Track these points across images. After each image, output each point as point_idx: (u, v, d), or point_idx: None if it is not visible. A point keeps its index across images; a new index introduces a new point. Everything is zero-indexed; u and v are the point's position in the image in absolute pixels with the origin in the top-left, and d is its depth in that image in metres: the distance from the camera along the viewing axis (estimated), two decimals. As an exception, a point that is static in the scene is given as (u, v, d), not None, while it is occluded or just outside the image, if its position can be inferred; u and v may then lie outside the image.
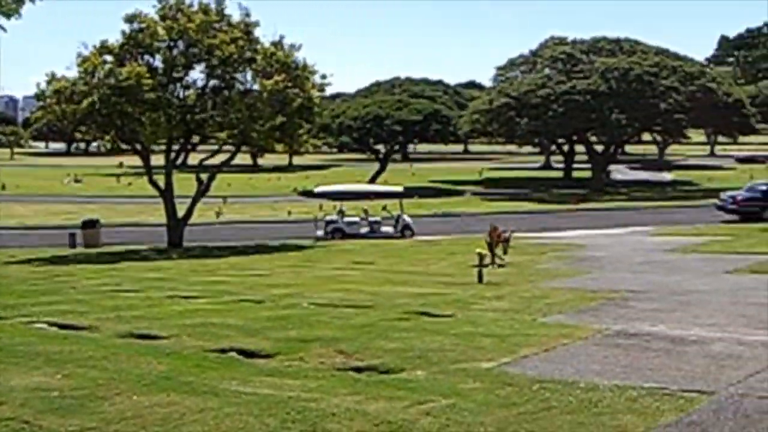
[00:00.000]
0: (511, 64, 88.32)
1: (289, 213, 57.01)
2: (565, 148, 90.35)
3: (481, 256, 20.42)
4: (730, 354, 10.89)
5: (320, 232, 41.73)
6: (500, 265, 22.55)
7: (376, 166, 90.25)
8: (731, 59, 43.52)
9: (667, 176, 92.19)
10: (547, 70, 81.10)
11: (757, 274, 19.69)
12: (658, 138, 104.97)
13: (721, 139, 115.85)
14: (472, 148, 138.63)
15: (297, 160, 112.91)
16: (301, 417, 8.33)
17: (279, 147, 43.00)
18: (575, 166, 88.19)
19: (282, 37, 39.81)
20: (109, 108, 36.54)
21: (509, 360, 10.72)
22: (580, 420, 8.13)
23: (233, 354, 11.62)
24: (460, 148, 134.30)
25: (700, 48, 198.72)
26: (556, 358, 10.90)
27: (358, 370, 10.45)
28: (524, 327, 13.04)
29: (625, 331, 12.51)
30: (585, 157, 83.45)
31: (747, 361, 10.49)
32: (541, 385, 9.37)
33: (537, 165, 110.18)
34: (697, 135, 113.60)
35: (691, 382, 9.50)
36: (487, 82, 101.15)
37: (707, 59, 47.72)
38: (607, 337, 12.15)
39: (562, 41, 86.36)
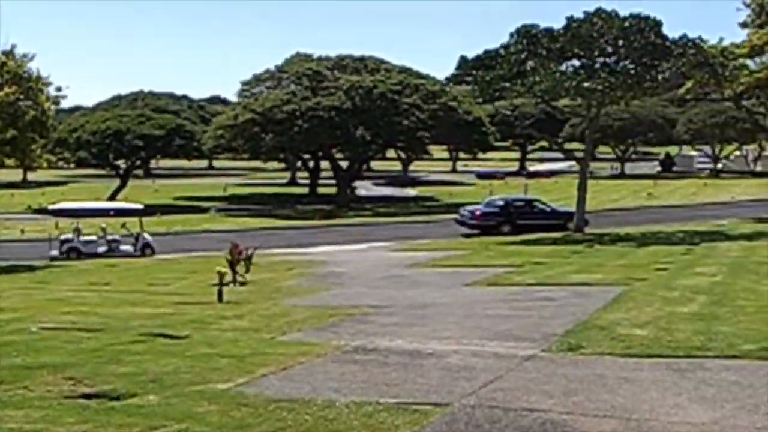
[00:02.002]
0: (257, 79, 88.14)
1: (22, 232, 54.32)
2: (311, 164, 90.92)
3: (221, 275, 20.03)
4: (465, 366, 11.05)
5: (55, 252, 39.96)
6: (242, 283, 22.25)
7: (117, 182, 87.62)
8: (470, 79, 44.92)
9: (411, 192, 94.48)
10: (292, 86, 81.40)
11: (494, 287, 20.35)
12: (402, 154, 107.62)
13: (462, 155, 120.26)
14: (216, 164, 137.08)
15: (32, 176, 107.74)
16: (20, 450, 7.71)
17: (10, 162, 40.82)
18: (321, 182, 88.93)
19: (14, 47, 37.86)
20: None
21: (246, 380, 10.42)
22: (314, 439, 7.95)
23: (-51, 386, 10.67)
24: (204, 163, 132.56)
25: (441, 67, 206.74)
26: (294, 376, 10.69)
27: (88, 396, 9.82)
28: (263, 346, 12.79)
29: (363, 347, 12.48)
30: (331, 173, 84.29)
31: (480, 372, 10.67)
32: (277, 405, 9.13)
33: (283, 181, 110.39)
34: (439, 151, 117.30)
35: (426, 395, 9.53)
36: (232, 98, 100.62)
37: (448, 78, 49.32)
38: (346, 354, 12.09)
39: (307, 58, 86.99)
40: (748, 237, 35.46)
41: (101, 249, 40.53)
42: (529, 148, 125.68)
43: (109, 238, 41.47)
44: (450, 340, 12.94)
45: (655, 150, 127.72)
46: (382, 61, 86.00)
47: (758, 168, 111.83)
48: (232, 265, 22.93)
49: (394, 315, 15.89)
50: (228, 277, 21.44)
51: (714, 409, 8.82)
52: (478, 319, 15.05)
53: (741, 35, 53.41)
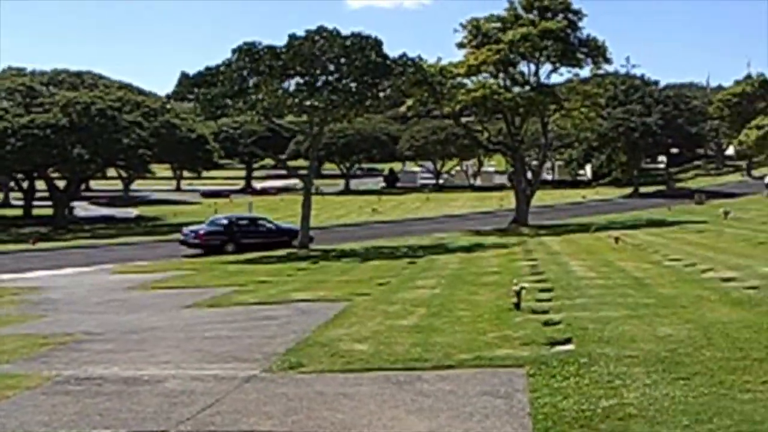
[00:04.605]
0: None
1: None
2: (25, 184, 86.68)
3: None
4: (183, 390, 10.79)
5: None
6: (-56, 313, 20.75)
7: None
8: (192, 96, 44.46)
9: (133, 212, 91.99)
10: (4, 103, 77.46)
11: (215, 308, 20.04)
12: (123, 173, 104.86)
13: (186, 173, 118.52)
14: None
15: None
16: None
17: None
18: (36, 203, 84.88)
19: None
20: None
21: (-59, 422, 9.68)
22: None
23: None
24: None
25: (162, 84, 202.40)
26: (-2, 412, 10.03)
27: None
28: (-34, 381, 11.93)
29: (76, 377, 11.96)
30: (47, 194, 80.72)
31: (199, 396, 10.45)
32: (-22, 446, 8.53)
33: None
34: (163, 170, 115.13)
35: (142, 423, 9.28)
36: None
37: (169, 95, 48.60)
38: (57, 384, 11.55)
39: (20, 72, 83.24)
40: (467, 249, 36.93)
41: None
42: (255, 165, 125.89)
43: None
44: (168, 364, 12.60)
45: (379, 166, 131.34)
46: (100, 77, 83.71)
47: (478, 182, 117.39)
48: (-67, 294, 21.37)
49: (110, 341, 15.30)
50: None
51: (430, 419, 8.99)
52: (198, 341, 14.73)
53: (458, 55, 56.03)
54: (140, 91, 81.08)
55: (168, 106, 73.02)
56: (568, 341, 12.74)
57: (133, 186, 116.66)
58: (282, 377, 11.36)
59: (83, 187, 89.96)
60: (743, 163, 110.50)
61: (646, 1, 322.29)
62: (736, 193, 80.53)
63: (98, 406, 10.15)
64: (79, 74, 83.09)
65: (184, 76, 43.00)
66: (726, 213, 50.45)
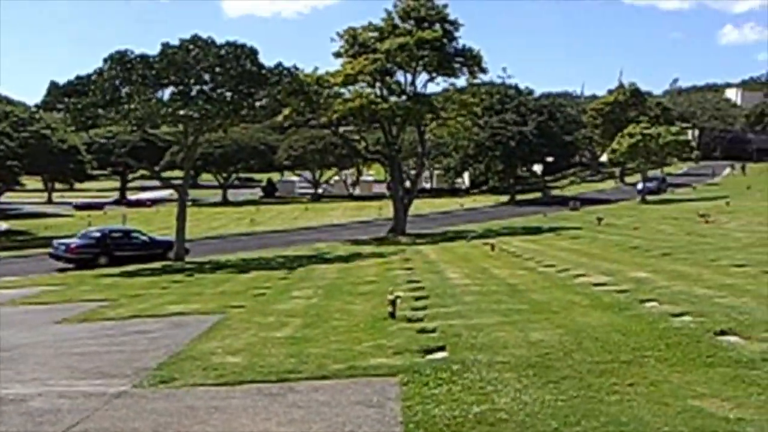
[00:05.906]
0: None
1: None
2: None
3: None
4: (50, 409, 10.45)
5: None
6: None
7: None
8: (62, 105, 43.54)
9: (2, 225, 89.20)
10: None
11: (86, 323, 19.54)
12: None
13: (59, 185, 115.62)
14: None
15: None
16: None
17: None
18: None
19: None
20: None
21: None
22: None
23: None
24: None
25: (30, 93, 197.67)
26: None
27: None
28: None
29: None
30: None
31: (66, 414, 10.15)
32: None
33: None
34: (33, 182, 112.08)
35: (3, 444, 8.91)
36: None
37: (38, 105, 47.38)
38: None
39: None
40: (345, 259, 36.95)
41: None
42: (130, 176, 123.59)
43: None
44: (35, 382, 12.20)
45: (257, 176, 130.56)
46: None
47: (356, 192, 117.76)
48: None
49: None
50: None
51: (302, 431, 8.89)
52: (67, 358, 14.30)
53: (336, 65, 56.04)
54: (8, 101, 78.88)
55: (37, 116, 71.14)
56: (441, 349, 12.84)
57: (2, 198, 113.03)
58: (152, 392, 11.11)
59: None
60: (617, 171, 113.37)
61: (522, 13, 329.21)
62: (610, 199, 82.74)
63: (-41, 429, 9.77)
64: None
65: (53, 85, 41.91)
66: (599, 219, 51.80)
